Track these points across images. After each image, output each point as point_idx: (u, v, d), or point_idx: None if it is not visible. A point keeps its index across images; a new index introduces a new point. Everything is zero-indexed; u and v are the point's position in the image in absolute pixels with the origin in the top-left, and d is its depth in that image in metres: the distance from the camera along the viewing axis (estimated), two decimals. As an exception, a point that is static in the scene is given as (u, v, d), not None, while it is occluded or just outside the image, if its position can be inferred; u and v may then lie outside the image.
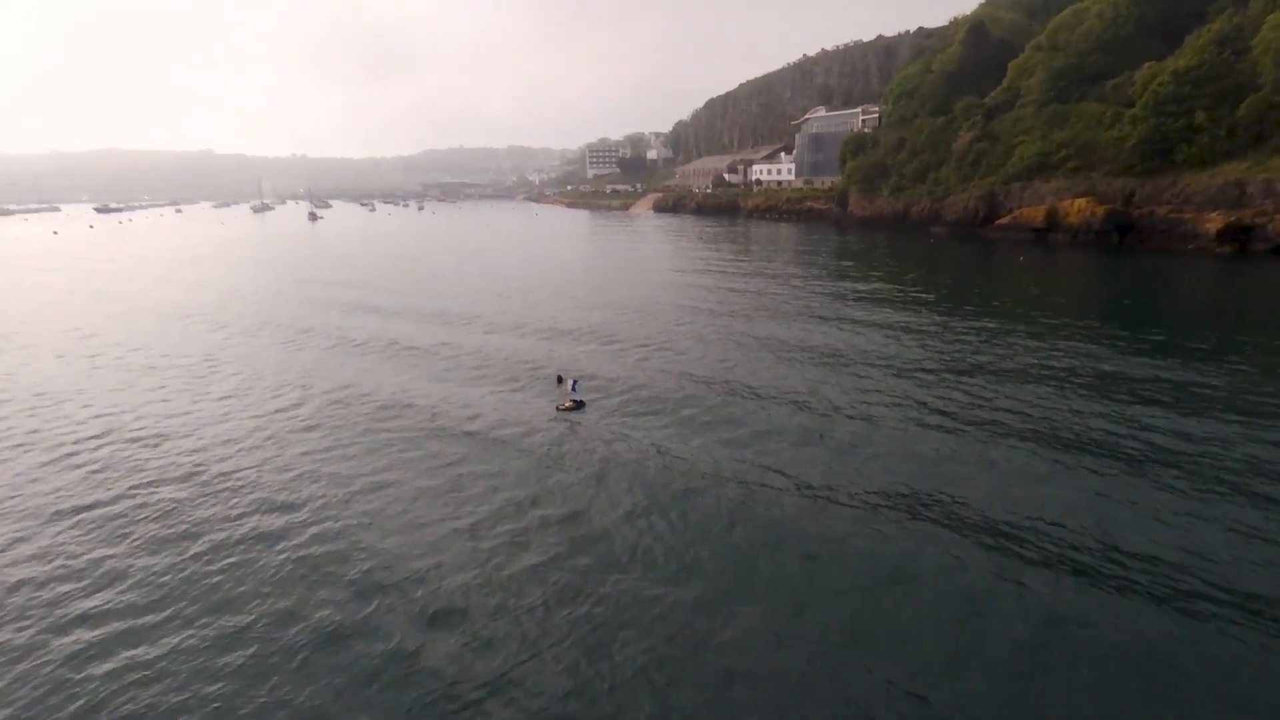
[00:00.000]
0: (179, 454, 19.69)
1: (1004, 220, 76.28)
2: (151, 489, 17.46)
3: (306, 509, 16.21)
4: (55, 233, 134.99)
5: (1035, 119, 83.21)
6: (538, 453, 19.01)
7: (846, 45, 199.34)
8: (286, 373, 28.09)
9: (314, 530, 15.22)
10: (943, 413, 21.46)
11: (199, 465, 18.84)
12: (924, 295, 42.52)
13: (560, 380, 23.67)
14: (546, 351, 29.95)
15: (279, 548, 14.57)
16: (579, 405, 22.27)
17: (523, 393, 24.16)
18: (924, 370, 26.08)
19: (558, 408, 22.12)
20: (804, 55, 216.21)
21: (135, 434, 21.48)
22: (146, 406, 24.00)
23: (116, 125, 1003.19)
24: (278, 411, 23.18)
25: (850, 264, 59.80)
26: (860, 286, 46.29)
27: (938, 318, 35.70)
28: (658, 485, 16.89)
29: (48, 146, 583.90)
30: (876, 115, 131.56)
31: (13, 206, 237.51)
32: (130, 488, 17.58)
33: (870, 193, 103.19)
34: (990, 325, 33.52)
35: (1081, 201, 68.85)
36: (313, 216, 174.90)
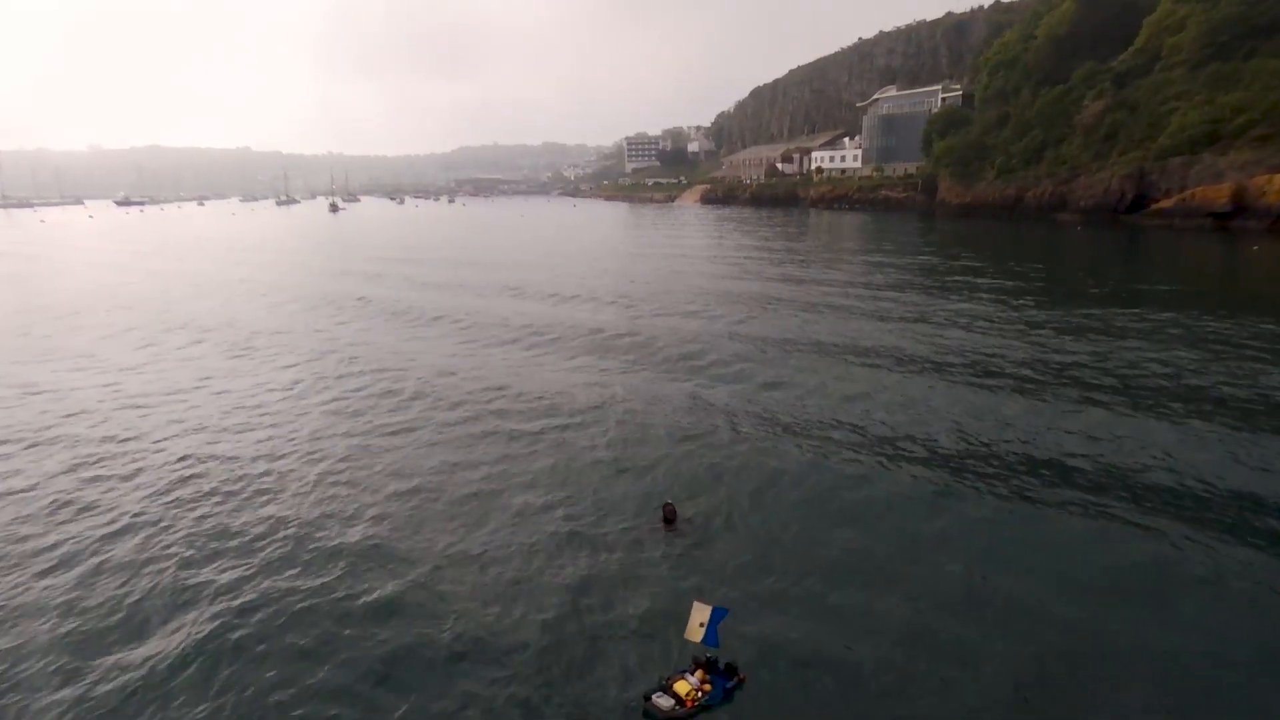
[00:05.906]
0: None
1: (1164, 203, 60.41)
2: None
3: None
4: (42, 221, 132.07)
5: (1190, 82, 67.41)
6: None
7: (910, 25, 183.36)
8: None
9: None
10: None
11: None
12: (1207, 322, 27.65)
13: (669, 520, 8.83)
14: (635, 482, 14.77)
15: None
16: (718, 694, 7.32)
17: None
18: None
19: (648, 700, 7.18)
20: (860, 38, 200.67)
21: None
22: None
23: (161, 123, 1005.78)
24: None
25: (1017, 268, 44.20)
26: (1054, 305, 31.63)
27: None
28: None
29: (89, 143, 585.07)
30: (959, 92, 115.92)
31: (35, 201, 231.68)
32: None
33: (967, 177, 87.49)
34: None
35: (1284, 176, 52.96)
36: (334, 208, 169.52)
